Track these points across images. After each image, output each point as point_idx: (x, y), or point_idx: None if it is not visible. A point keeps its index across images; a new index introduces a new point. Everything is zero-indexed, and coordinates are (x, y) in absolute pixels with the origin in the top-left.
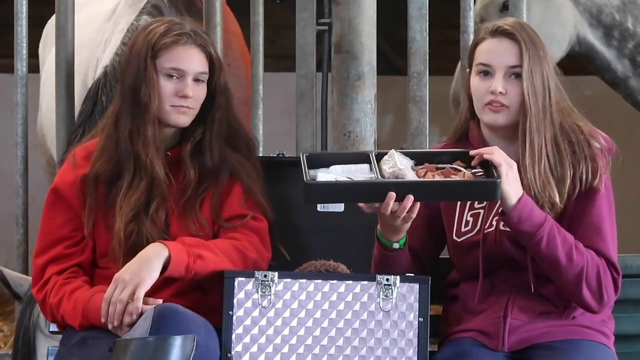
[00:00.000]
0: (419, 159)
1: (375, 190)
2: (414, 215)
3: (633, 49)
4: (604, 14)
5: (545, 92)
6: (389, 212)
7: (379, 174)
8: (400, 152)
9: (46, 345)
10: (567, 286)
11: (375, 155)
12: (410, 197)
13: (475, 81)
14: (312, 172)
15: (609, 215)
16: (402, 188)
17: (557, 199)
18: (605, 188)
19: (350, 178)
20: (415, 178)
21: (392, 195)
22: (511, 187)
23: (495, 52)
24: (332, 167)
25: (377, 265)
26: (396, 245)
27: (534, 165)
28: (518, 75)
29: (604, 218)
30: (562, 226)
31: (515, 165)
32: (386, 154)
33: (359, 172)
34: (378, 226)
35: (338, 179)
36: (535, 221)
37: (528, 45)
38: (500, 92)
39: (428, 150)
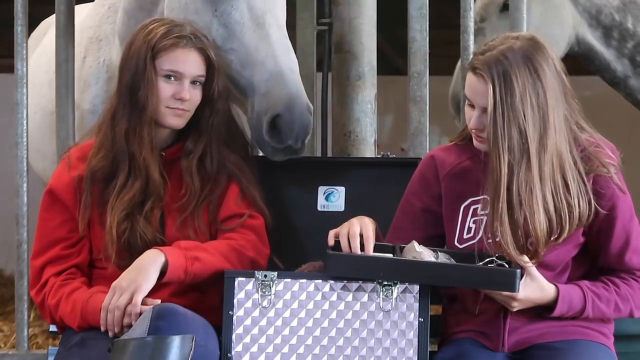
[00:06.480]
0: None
1: (393, 267)
2: None
3: (633, 49)
4: (603, 14)
5: (521, 135)
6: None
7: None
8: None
9: None
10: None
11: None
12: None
13: (465, 105)
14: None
15: (632, 220)
16: (418, 267)
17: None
18: (623, 201)
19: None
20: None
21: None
22: (535, 294)
23: (473, 90)
24: None
25: None
26: None
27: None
28: None
29: (631, 227)
30: (591, 242)
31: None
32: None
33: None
34: None
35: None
36: (576, 308)
37: (497, 88)
38: (477, 128)
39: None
